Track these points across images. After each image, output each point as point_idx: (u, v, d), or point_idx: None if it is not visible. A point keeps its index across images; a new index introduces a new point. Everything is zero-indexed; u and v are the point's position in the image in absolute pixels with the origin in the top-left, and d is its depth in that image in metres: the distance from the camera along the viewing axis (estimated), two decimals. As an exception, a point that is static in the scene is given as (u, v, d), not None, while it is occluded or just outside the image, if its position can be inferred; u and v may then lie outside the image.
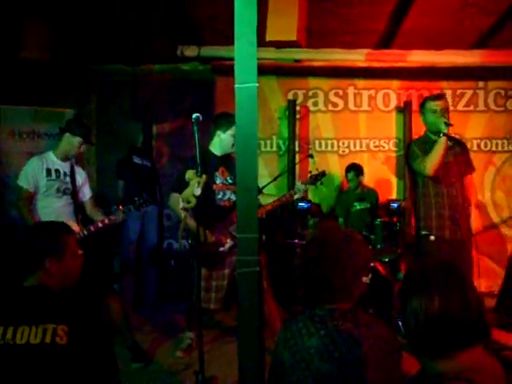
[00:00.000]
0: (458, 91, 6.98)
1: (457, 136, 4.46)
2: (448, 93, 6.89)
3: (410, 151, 4.58)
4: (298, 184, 4.72)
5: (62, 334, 2.09)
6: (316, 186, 4.90)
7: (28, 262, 2.37)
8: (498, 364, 1.60)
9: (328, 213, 6.85)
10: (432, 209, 4.49)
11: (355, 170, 6.41)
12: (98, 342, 2.22)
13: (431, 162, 4.32)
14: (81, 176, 4.73)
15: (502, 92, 6.97)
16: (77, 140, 4.53)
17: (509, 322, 4.58)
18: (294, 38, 4.23)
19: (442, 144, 4.27)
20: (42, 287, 2.31)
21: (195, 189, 3.89)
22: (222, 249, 4.44)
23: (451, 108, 6.81)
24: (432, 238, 4.43)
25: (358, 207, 6.30)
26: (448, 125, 4.29)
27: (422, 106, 4.58)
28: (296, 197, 4.71)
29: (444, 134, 4.26)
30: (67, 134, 4.56)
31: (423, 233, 4.51)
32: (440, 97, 4.61)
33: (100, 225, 4.41)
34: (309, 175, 4.86)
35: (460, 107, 6.93)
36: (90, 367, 2.15)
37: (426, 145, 4.49)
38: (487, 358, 1.59)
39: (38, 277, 2.34)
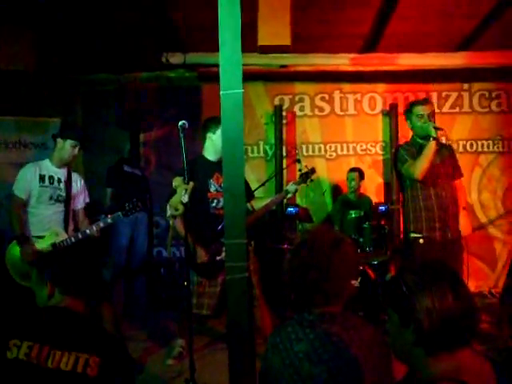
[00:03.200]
0: (444, 93, 7.04)
1: (444, 141, 4.47)
2: (433, 95, 6.96)
3: (398, 156, 4.58)
4: (290, 185, 4.73)
5: (93, 365, 2.05)
6: (307, 185, 4.91)
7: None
8: (487, 364, 1.61)
9: (323, 220, 6.89)
10: (421, 211, 4.49)
11: (359, 171, 6.47)
12: (125, 378, 2.18)
13: (420, 166, 4.32)
14: (77, 183, 4.69)
15: (486, 93, 7.04)
16: (68, 143, 4.50)
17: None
18: (289, 43, 4.23)
19: (431, 148, 4.27)
20: (74, 312, 2.26)
21: (182, 196, 3.88)
22: (218, 258, 4.43)
23: (437, 110, 6.89)
24: (421, 240, 4.44)
25: (354, 215, 6.28)
26: (438, 129, 4.30)
27: (409, 111, 4.57)
28: (288, 196, 4.73)
29: (434, 139, 4.27)
30: (58, 139, 4.54)
31: (413, 236, 4.52)
32: (426, 101, 4.62)
33: (88, 232, 4.39)
34: (298, 174, 4.86)
35: (445, 109, 6.99)
36: None
37: (413, 148, 4.50)
38: (476, 357, 1.60)
39: (72, 300, 2.29)
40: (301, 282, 2.07)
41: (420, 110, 4.47)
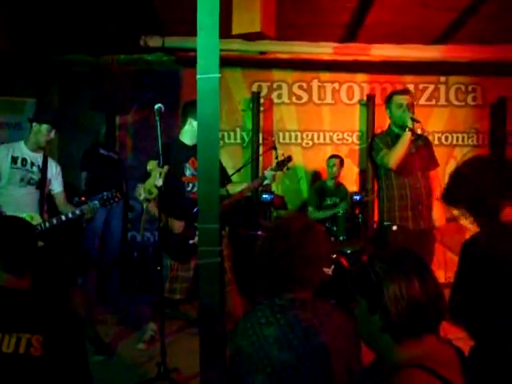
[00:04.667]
0: (421, 85, 7.09)
1: (420, 131, 4.51)
2: (410, 87, 6.98)
3: (373, 145, 4.61)
4: (267, 171, 4.72)
5: (36, 344, 2.00)
6: (283, 172, 4.91)
7: (30, 258, 2.28)
8: (452, 351, 1.64)
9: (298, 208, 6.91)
10: (395, 200, 4.53)
11: (340, 158, 6.47)
12: (73, 353, 2.13)
13: (395, 156, 4.35)
14: (52, 169, 4.64)
15: (463, 87, 7.10)
16: (44, 128, 4.45)
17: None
18: (258, 29, 4.21)
19: (406, 138, 4.31)
20: (15, 291, 2.19)
21: (157, 179, 3.87)
22: (191, 242, 4.41)
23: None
24: (394, 227, 4.48)
25: (329, 202, 6.34)
26: (414, 120, 4.34)
27: (389, 99, 4.60)
28: (266, 182, 4.71)
29: (409, 130, 4.32)
30: (34, 123, 4.49)
31: (386, 223, 4.56)
32: (406, 91, 4.68)
33: (63, 218, 4.35)
34: (275, 161, 4.87)
35: (422, 101, 7.04)
36: (64, 379, 2.06)
37: (389, 138, 4.54)
38: (442, 345, 1.63)
39: (22, 278, 2.23)
40: (272, 267, 2.08)
41: (400, 99, 4.51)
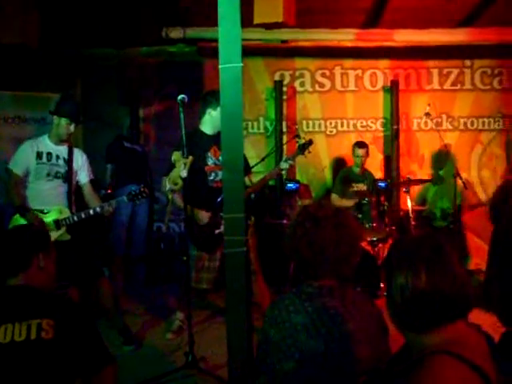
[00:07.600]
0: (445, 70, 7.00)
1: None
2: (435, 72, 6.92)
3: None
4: (283, 160, 4.72)
5: (47, 328, 2.05)
6: (305, 156, 4.88)
7: (19, 259, 2.28)
8: (481, 337, 1.61)
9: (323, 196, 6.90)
10: None
11: (366, 147, 6.39)
12: (85, 334, 2.18)
13: None
14: (78, 160, 4.62)
15: (488, 70, 6.99)
16: (63, 120, 4.45)
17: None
18: (281, 20, 4.19)
19: None
20: (26, 287, 2.24)
21: (181, 170, 3.88)
22: (217, 231, 4.42)
23: (438, 87, 6.87)
24: None
25: (355, 189, 6.31)
26: None
27: None
28: (283, 167, 4.69)
29: None
30: (55, 117, 4.50)
31: None
32: None
33: (91, 212, 4.38)
34: (296, 145, 4.86)
35: (447, 86, 6.95)
36: (79, 357, 2.12)
37: None
38: (470, 331, 1.61)
39: (25, 276, 2.26)
40: (305, 253, 2.07)
41: None
